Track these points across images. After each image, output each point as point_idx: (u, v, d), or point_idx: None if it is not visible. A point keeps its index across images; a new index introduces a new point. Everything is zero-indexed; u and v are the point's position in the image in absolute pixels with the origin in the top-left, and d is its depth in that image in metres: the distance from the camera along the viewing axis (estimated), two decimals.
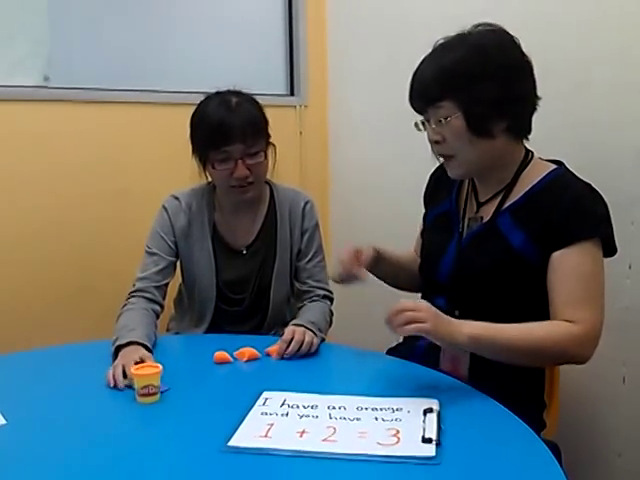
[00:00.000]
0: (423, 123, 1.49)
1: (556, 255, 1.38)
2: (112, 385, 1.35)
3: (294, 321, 1.67)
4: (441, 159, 1.56)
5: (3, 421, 1.19)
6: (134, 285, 1.78)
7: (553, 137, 1.72)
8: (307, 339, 1.55)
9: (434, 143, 1.45)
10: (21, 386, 1.39)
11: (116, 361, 1.43)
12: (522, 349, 1.33)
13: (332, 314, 1.86)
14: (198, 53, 2.48)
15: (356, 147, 2.70)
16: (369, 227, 2.60)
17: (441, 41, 1.44)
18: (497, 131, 1.41)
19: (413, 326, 1.24)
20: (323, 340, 1.68)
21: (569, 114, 1.81)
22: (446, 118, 1.39)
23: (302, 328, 1.58)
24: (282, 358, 1.52)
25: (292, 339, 1.54)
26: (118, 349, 1.49)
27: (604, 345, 1.73)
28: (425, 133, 1.49)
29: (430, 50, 1.45)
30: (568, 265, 1.37)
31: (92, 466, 1.04)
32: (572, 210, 1.37)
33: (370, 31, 2.54)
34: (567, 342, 1.34)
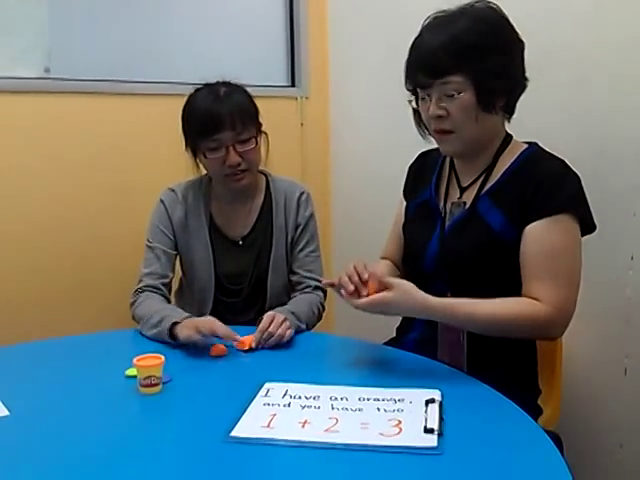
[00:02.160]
0: (417, 99, 1.46)
1: (527, 229, 1.38)
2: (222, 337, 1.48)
3: (276, 309, 1.67)
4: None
5: (6, 412, 1.19)
6: (141, 281, 1.78)
7: (554, 129, 1.72)
8: (279, 331, 1.54)
9: (434, 118, 1.42)
10: (23, 377, 1.39)
11: (193, 329, 1.50)
12: (483, 326, 1.35)
13: (323, 306, 1.86)
14: (199, 44, 2.47)
15: (357, 138, 2.69)
16: (370, 218, 2.60)
17: (438, 14, 1.42)
18: (498, 107, 1.41)
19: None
20: (305, 330, 1.68)
21: (570, 106, 1.80)
22: (459, 93, 1.36)
23: (281, 317, 1.57)
24: (251, 349, 1.52)
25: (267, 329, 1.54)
26: (172, 327, 1.54)
27: (606, 337, 1.74)
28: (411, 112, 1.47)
29: (426, 22, 1.42)
30: (536, 239, 1.37)
31: (95, 457, 1.05)
32: (542, 185, 1.37)
33: (371, 23, 2.53)
34: (531, 322, 1.35)
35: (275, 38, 2.71)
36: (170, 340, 1.54)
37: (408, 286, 1.32)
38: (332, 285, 1.37)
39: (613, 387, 1.78)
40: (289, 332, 1.56)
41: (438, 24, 1.41)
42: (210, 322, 1.53)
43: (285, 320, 1.57)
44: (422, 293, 1.32)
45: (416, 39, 1.43)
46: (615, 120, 1.71)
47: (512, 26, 1.41)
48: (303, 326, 1.68)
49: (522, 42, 1.42)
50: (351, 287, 1.31)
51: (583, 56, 1.76)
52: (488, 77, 1.36)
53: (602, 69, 1.72)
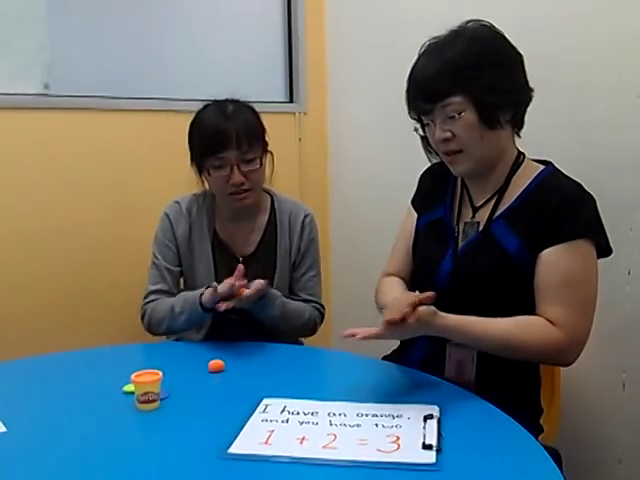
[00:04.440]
0: (423, 126, 1.48)
1: (543, 254, 1.38)
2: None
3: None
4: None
5: (3, 428, 1.19)
6: (147, 297, 1.81)
7: (551, 142, 1.73)
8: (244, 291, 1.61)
9: (441, 142, 1.43)
10: (21, 393, 1.39)
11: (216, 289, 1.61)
12: (496, 347, 1.35)
13: (315, 322, 1.87)
14: (198, 61, 2.48)
15: (355, 154, 2.70)
16: (369, 235, 2.60)
17: (432, 40, 1.44)
18: (504, 122, 1.41)
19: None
20: (281, 326, 1.76)
21: (568, 119, 1.81)
22: (459, 113, 1.38)
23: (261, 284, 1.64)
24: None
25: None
26: (201, 304, 1.67)
27: (604, 351, 1.74)
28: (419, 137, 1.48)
29: (422, 50, 1.45)
30: (553, 264, 1.36)
31: (92, 473, 1.04)
32: (560, 209, 1.37)
33: (369, 38, 2.55)
34: (545, 347, 1.34)
35: (273, 54, 2.73)
36: (206, 313, 1.67)
37: (427, 311, 1.30)
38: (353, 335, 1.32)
39: (612, 402, 1.78)
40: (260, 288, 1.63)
41: (433, 50, 1.43)
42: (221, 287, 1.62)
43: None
44: (438, 317, 1.31)
45: (413, 67, 1.45)
46: (612, 134, 1.72)
47: (507, 40, 1.43)
48: (277, 313, 1.74)
49: (520, 54, 1.43)
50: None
51: (581, 68, 1.77)
52: (487, 93, 1.37)
53: (600, 82, 1.73)
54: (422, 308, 1.29)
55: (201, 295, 1.67)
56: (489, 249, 1.44)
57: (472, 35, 1.41)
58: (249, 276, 1.83)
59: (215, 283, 1.64)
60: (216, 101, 1.81)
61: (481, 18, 1.44)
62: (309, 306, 1.86)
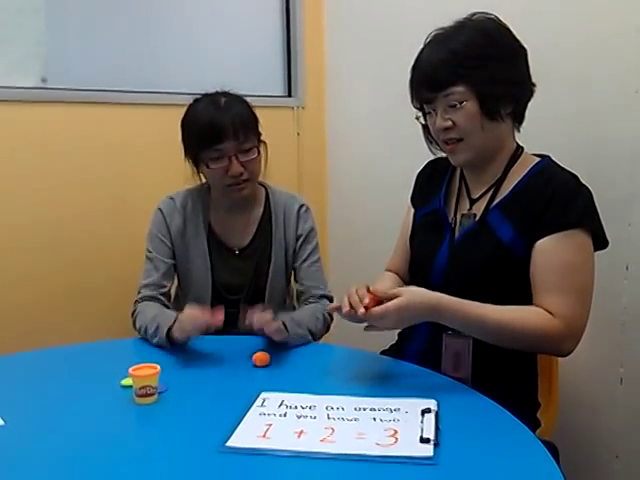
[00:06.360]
0: (425, 114, 1.48)
1: (538, 244, 1.38)
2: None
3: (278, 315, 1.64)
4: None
5: (1, 422, 1.19)
6: (139, 292, 1.80)
7: (550, 136, 1.73)
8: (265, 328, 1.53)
9: (442, 130, 1.44)
10: (19, 387, 1.39)
11: (177, 327, 1.53)
12: (493, 330, 1.33)
13: (330, 314, 1.83)
14: (195, 54, 2.48)
15: (354, 148, 2.70)
16: (367, 229, 2.61)
17: (438, 31, 1.45)
18: (504, 114, 1.42)
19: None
20: (308, 336, 1.67)
21: (566, 113, 1.81)
22: (461, 102, 1.39)
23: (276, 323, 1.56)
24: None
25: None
26: (168, 333, 1.55)
27: (602, 346, 1.74)
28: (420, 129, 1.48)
29: (427, 40, 1.45)
30: (548, 254, 1.36)
31: (90, 467, 1.04)
32: (554, 199, 1.37)
33: (368, 32, 2.55)
34: (541, 333, 1.33)
35: (271, 48, 2.73)
36: (172, 346, 1.56)
37: (415, 288, 1.33)
38: (338, 309, 1.35)
39: (609, 396, 1.79)
40: (274, 329, 1.54)
41: (438, 40, 1.44)
42: (191, 320, 1.53)
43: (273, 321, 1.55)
44: (433, 292, 1.32)
45: (417, 57, 1.46)
46: (610, 130, 1.72)
47: (512, 34, 1.43)
48: (303, 331, 1.65)
49: (524, 49, 1.44)
50: (347, 308, 1.31)
51: (579, 62, 1.77)
52: (489, 85, 1.38)
53: (598, 76, 1.73)
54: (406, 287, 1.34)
55: (169, 330, 1.57)
56: (485, 239, 1.44)
57: (478, 27, 1.42)
58: (244, 269, 1.83)
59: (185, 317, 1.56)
60: (206, 94, 1.80)
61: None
62: (318, 307, 1.80)
